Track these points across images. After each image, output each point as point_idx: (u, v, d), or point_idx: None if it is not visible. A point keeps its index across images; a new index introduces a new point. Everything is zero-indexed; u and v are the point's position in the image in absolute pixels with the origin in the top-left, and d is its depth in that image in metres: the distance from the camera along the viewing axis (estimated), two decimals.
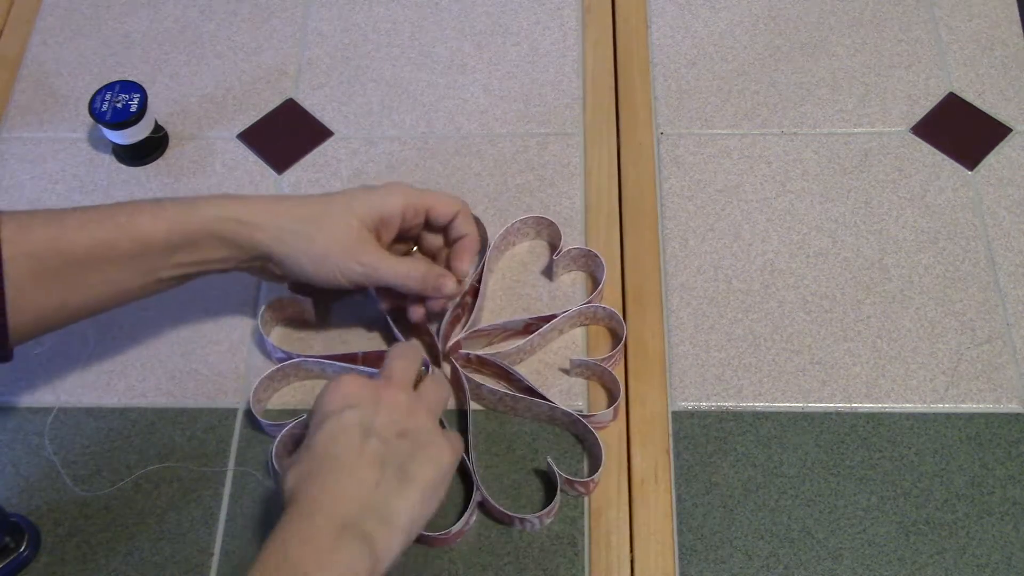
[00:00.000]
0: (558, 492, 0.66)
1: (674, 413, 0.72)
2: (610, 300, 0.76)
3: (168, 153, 0.84)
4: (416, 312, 0.71)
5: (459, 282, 0.70)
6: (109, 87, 0.80)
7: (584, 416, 0.69)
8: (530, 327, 0.73)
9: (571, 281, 0.77)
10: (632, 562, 0.66)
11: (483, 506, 0.68)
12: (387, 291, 0.72)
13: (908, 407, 0.71)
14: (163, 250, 0.62)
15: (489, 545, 0.67)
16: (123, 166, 0.84)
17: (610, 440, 0.70)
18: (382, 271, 0.66)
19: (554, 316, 0.72)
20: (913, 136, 0.83)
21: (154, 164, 0.84)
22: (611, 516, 0.68)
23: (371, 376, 0.61)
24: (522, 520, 0.66)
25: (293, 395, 0.73)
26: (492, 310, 0.76)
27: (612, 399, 0.71)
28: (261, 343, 0.74)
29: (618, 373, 0.73)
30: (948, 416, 0.71)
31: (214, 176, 0.83)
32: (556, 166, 0.82)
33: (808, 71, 0.87)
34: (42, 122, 0.86)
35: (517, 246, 0.79)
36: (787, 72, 0.87)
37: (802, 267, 0.77)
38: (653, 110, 0.85)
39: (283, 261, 0.65)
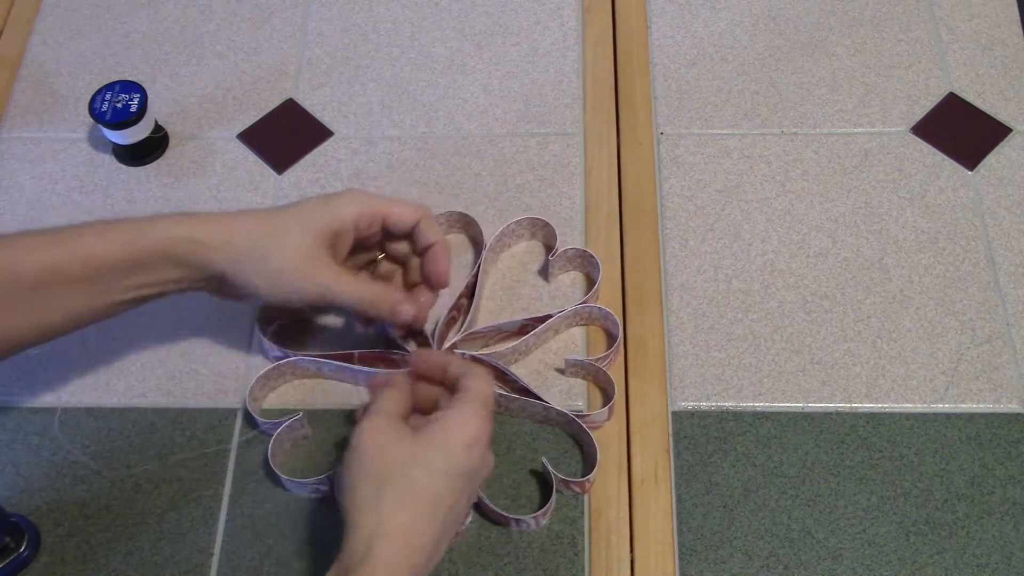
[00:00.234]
0: (554, 492, 0.66)
1: (674, 413, 0.72)
2: (608, 300, 0.76)
3: (168, 153, 0.84)
4: (400, 325, 0.69)
5: (424, 308, 0.68)
6: (109, 87, 0.80)
7: (579, 416, 0.69)
8: (526, 328, 0.73)
9: (568, 282, 0.77)
10: (632, 562, 0.66)
11: (478, 507, 0.68)
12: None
13: (908, 407, 0.71)
14: (115, 272, 0.60)
15: (489, 545, 0.67)
16: (123, 166, 0.84)
17: (610, 440, 0.70)
18: (335, 291, 0.63)
19: (549, 316, 0.72)
20: (913, 136, 0.83)
21: (154, 164, 0.84)
22: (611, 516, 0.68)
23: (484, 415, 0.59)
24: (518, 521, 0.66)
25: (293, 394, 0.73)
26: (489, 311, 0.76)
27: (607, 399, 0.71)
28: (259, 342, 0.74)
29: (617, 373, 0.73)
30: (948, 416, 0.71)
31: (214, 176, 0.83)
32: (556, 166, 0.82)
33: (808, 71, 0.87)
34: (42, 122, 0.86)
35: (513, 247, 0.79)
36: (787, 72, 0.87)
37: (802, 267, 0.77)
38: (653, 110, 0.85)
39: (237, 281, 0.63)
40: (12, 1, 0.94)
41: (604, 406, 0.70)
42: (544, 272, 0.77)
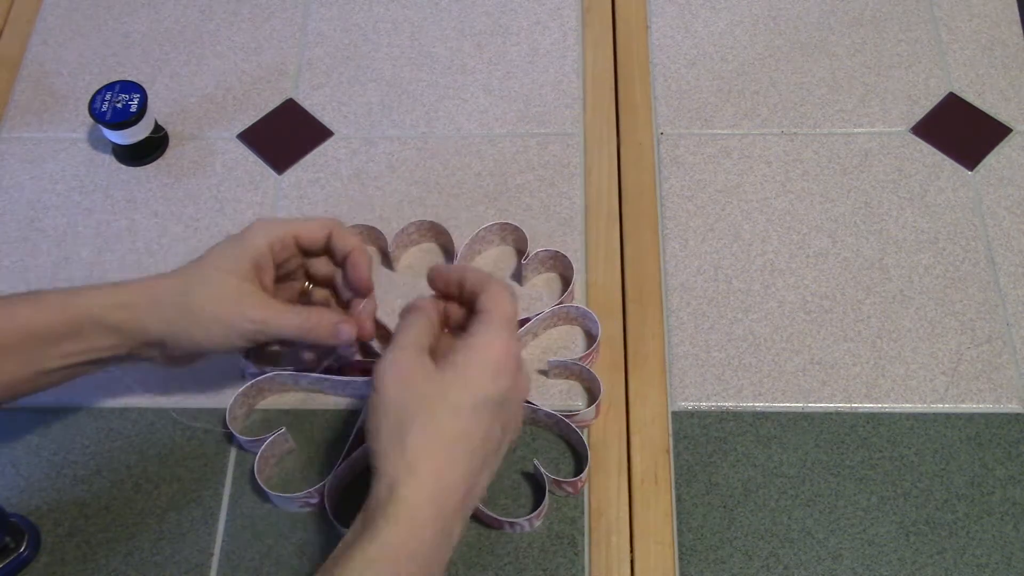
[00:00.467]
0: (547, 494, 0.66)
1: (674, 413, 0.71)
2: (608, 300, 0.76)
3: (168, 153, 0.84)
4: (348, 344, 0.66)
5: (365, 321, 0.66)
6: (109, 87, 0.80)
7: (568, 416, 0.69)
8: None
9: (542, 284, 0.77)
10: (632, 562, 0.66)
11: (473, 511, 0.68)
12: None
13: (908, 407, 0.71)
14: (46, 340, 0.59)
15: (489, 545, 0.67)
16: (123, 166, 0.84)
17: (610, 440, 0.70)
18: (272, 324, 0.61)
19: (527, 320, 0.72)
20: (913, 136, 0.83)
21: (154, 164, 0.84)
22: (611, 516, 0.68)
23: (512, 340, 0.57)
24: (512, 524, 0.66)
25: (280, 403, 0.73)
26: None
27: (594, 398, 0.71)
28: (234, 360, 0.73)
29: (617, 373, 0.73)
30: (948, 416, 0.71)
31: (214, 176, 0.83)
32: (556, 166, 0.82)
33: (808, 71, 0.87)
34: (42, 122, 0.86)
35: (484, 254, 0.78)
36: (787, 72, 0.87)
37: (802, 267, 0.77)
38: (653, 110, 0.85)
39: (175, 340, 0.61)
40: (12, 1, 0.94)
41: (589, 405, 0.70)
42: (517, 276, 0.77)
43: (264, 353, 0.72)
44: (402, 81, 0.87)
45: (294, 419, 0.72)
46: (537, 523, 0.67)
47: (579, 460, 0.69)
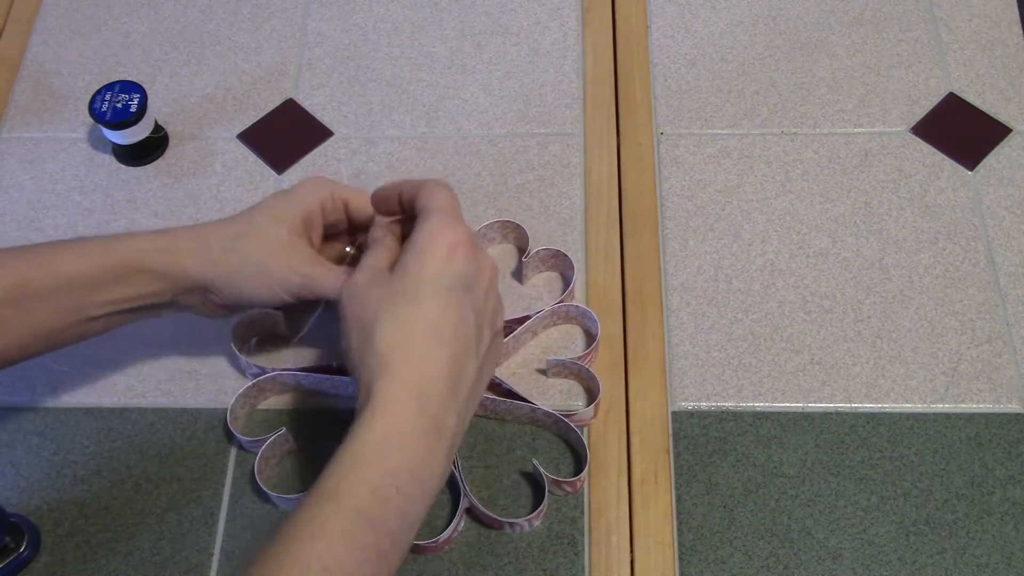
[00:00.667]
0: (546, 494, 0.66)
1: (674, 413, 0.72)
2: (608, 300, 0.76)
3: (168, 153, 0.84)
4: None
5: None
6: (109, 87, 0.80)
7: (566, 415, 0.69)
8: (504, 330, 0.72)
9: (543, 282, 0.77)
10: (632, 562, 0.66)
11: (471, 512, 0.68)
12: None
13: (908, 407, 0.71)
14: (89, 286, 0.59)
15: (489, 546, 0.67)
16: (123, 166, 0.84)
17: (610, 440, 0.70)
18: (318, 280, 0.61)
19: (527, 318, 0.72)
20: (913, 136, 0.83)
21: (154, 164, 0.84)
22: (611, 516, 0.68)
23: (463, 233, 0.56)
24: (512, 524, 0.66)
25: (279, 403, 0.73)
26: None
27: (593, 397, 0.71)
28: (235, 360, 0.73)
29: (617, 373, 0.73)
30: (948, 416, 0.71)
31: (214, 176, 0.83)
32: (556, 166, 0.82)
33: (808, 71, 0.87)
34: (42, 122, 0.86)
35: (485, 251, 0.78)
36: (787, 72, 0.87)
37: (802, 267, 0.77)
38: (653, 110, 0.85)
39: (219, 286, 0.61)
40: (12, 1, 0.94)
41: (588, 404, 0.70)
42: (518, 274, 0.77)
43: (264, 347, 0.73)
44: (402, 81, 0.87)
45: (295, 419, 0.72)
46: (537, 523, 0.67)
47: (578, 460, 0.69)
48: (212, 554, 0.67)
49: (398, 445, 0.51)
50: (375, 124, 0.85)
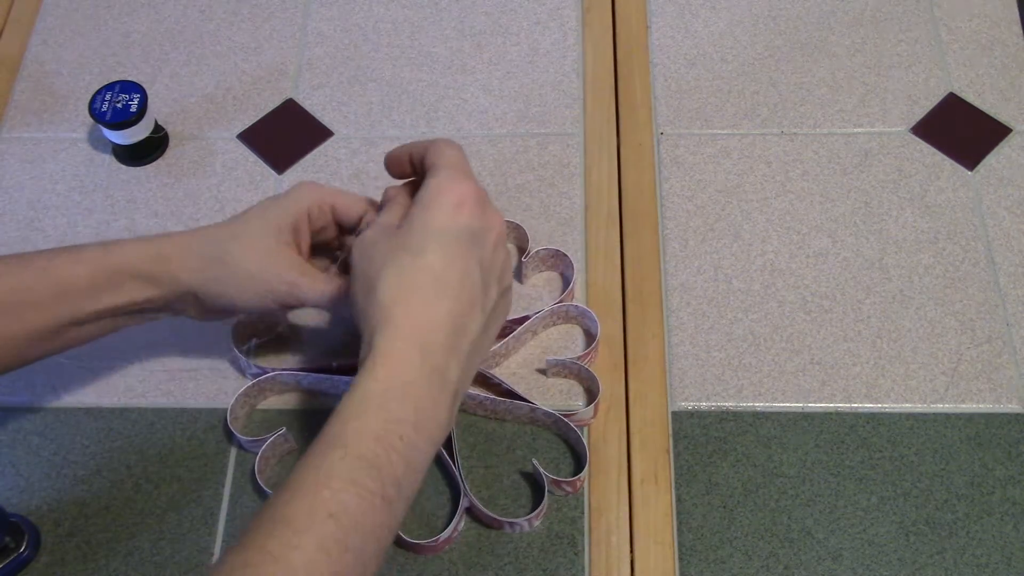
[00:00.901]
0: (546, 493, 0.66)
1: (674, 413, 0.72)
2: (608, 300, 0.76)
3: (168, 153, 0.84)
4: None
5: None
6: (109, 87, 0.80)
7: (566, 415, 0.69)
8: (504, 330, 0.72)
9: (543, 282, 0.77)
10: (632, 562, 0.66)
11: (471, 511, 0.68)
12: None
13: (908, 407, 0.71)
14: (84, 293, 0.59)
15: (489, 546, 0.67)
16: (123, 166, 0.84)
17: (610, 440, 0.70)
18: (304, 288, 0.62)
19: (527, 318, 0.72)
20: (913, 136, 0.83)
21: (154, 164, 0.84)
22: (611, 516, 0.68)
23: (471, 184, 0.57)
24: (511, 524, 0.66)
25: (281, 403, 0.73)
26: None
27: (592, 397, 0.71)
28: (235, 360, 0.73)
29: (617, 373, 0.73)
30: (948, 416, 0.71)
31: (214, 176, 0.83)
32: (556, 166, 0.82)
33: (808, 71, 0.87)
34: (42, 122, 0.86)
35: None
36: (787, 72, 0.87)
37: (802, 267, 0.77)
38: (653, 110, 0.85)
39: (208, 293, 0.62)
40: (12, 1, 0.94)
41: (588, 404, 0.70)
42: (518, 274, 0.77)
43: (264, 346, 0.73)
44: (402, 81, 0.87)
45: (295, 419, 0.72)
46: (536, 523, 0.67)
47: (578, 460, 0.69)
48: (212, 554, 0.67)
49: (400, 394, 0.51)
50: (375, 124, 0.85)
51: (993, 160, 0.82)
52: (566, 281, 0.76)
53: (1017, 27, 0.89)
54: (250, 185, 0.82)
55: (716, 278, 0.77)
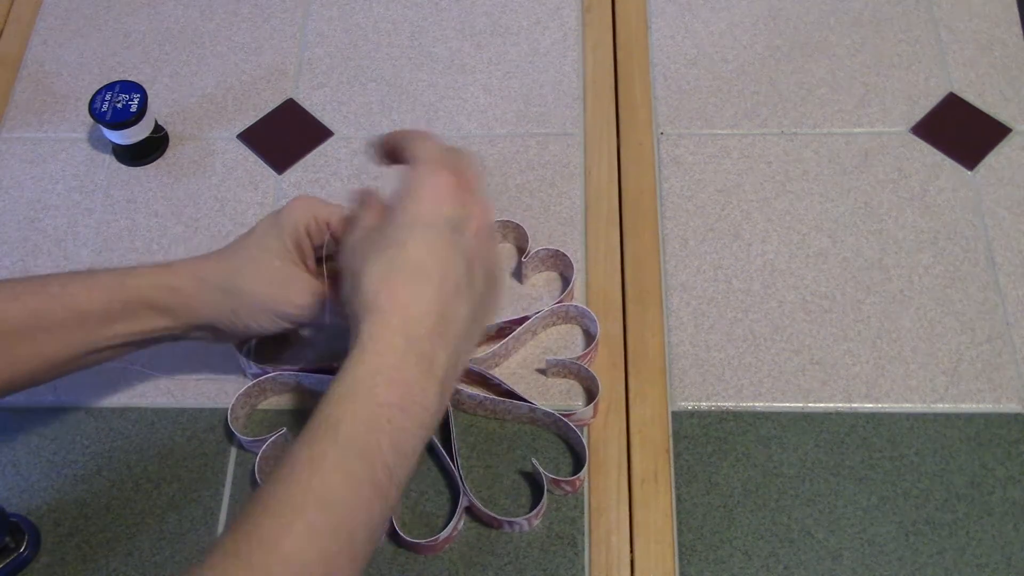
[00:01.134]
0: (545, 493, 0.66)
1: (674, 413, 0.72)
2: (608, 300, 0.76)
3: (168, 153, 0.84)
4: None
5: None
6: (109, 87, 0.80)
7: (565, 415, 0.69)
8: (504, 331, 0.72)
9: (542, 282, 0.77)
10: (632, 562, 0.66)
11: (470, 511, 0.68)
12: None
13: (908, 407, 0.71)
14: (100, 321, 0.60)
15: (489, 545, 0.67)
16: (123, 166, 0.84)
17: (610, 440, 0.70)
18: (316, 310, 0.63)
19: (526, 318, 0.72)
20: (913, 136, 0.83)
21: (154, 164, 0.84)
22: (611, 516, 0.68)
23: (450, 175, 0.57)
24: (511, 523, 0.66)
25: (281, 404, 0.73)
26: None
27: (592, 397, 0.71)
28: (235, 360, 0.73)
29: (617, 373, 0.73)
30: (948, 416, 0.71)
31: (214, 176, 0.83)
32: (556, 166, 0.82)
33: (808, 71, 0.87)
34: (42, 122, 0.86)
35: None
36: (787, 72, 0.87)
37: (802, 267, 0.77)
38: (653, 110, 0.85)
39: (225, 324, 0.63)
40: (12, 1, 0.94)
41: (588, 404, 0.70)
42: (518, 274, 0.77)
43: (265, 346, 0.73)
44: (402, 81, 0.87)
45: (295, 419, 0.72)
46: (536, 522, 0.67)
47: (578, 459, 0.69)
48: None
49: (386, 379, 0.51)
50: (375, 124, 0.85)
51: (993, 160, 0.82)
52: (566, 281, 0.76)
53: (1017, 27, 0.89)
54: (250, 185, 0.82)
55: (716, 278, 0.77)
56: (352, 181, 0.82)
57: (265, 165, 0.83)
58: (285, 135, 0.85)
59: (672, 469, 0.69)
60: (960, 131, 0.83)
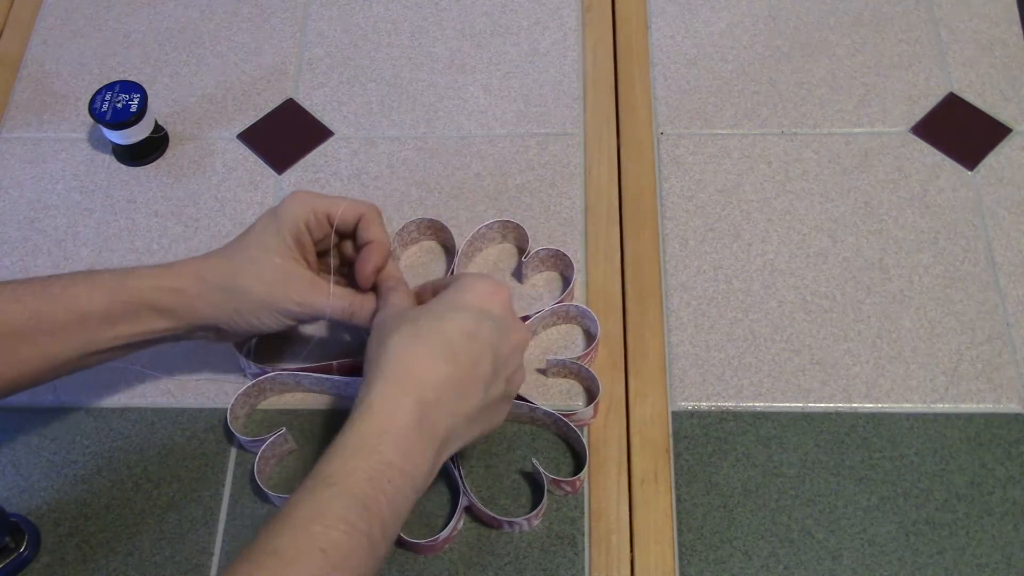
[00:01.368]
0: (545, 493, 0.66)
1: (674, 413, 0.71)
2: (608, 299, 0.76)
3: (168, 153, 0.84)
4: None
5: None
6: (109, 87, 0.80)
7: (565, 415, 0.69)
8: None
9: (543, 282, 0.77)
10: (632, 562, 0.66)
11: (470, 511, 0.68)
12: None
13: (908, 407, 0.71)
14: (101, 322, 0.60)
15: (489, 545, 0.67)
16: (123, 166, 0.84)
17: (610, 440, 0.70)
18: (317, 306, 0.64)
19: (527, 318, 0.72)
20: (913, 136, 0.83)
21: (154, 164, 0.84)
22: (611, 516, 0.68)
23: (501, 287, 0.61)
24: (510, 523, 0.66)
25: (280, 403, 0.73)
26: None
27: (592, 397, 0.71)
28: (235, 360, 0.73)
29: (617, 373, 0.73)
30: (948, 416, 0.71)
31: (214, 176, 0.83)
32: (556, 166, 0.82)
33: (808, 71, 0.87)
34: (42, 122, 0.86)
35: (484, 251, 0.78)
36: (787, 72, 0.87)
37: (802, 267, 0.77)
38: (653, 110, 0.85)
39: (228, 324, 0.63)
40: (12, 1, 0.94)
41: (588, 404, 0.70)
42: (518, 274, 0.77)
43: (264, 345, 0.73)
44: (402, 81, 0.87)
45: (295, 419, 0.72)
46: (536, 522, 0.67)
47: (578, 459, 0.69)
48: (212, 554, 0.67)
49: (393, 440, 0.53)
50: (375, 124, 0.85)
51: (993, 160, 0.82)
52: (566, 281, 0.76)
53: (1017, 27, 0.89)
54: (250, 185, 0.82)
55: (716, 278, 0.77)
56: (352, 181, 0.82)
57: (265, 165, 0.83)
58: (285, 135, 0.85)
59: (672, 469, 0.69)
60: (960, 131, 0.83)
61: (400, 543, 0.66)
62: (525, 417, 0.70)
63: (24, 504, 0.69)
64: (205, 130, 0.85)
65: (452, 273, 0.75)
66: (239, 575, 0.48)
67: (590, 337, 0.73)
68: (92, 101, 0.79)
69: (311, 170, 0.83)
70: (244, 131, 0.85)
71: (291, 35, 0.90)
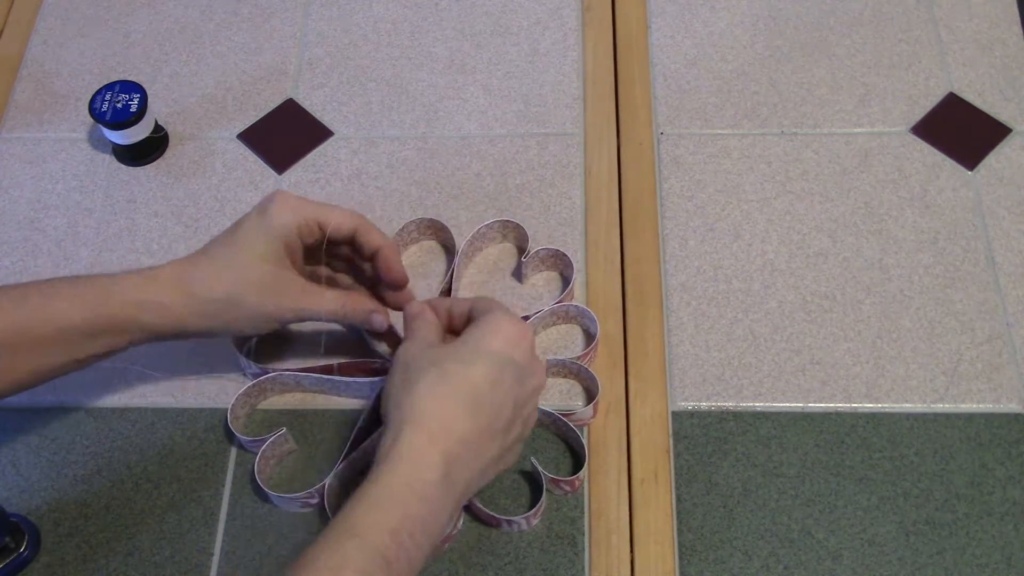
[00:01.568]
0: (544, 492, 0.66)
1: (674, 413, 0.72)
2: (608, 300, 0.76)
3: (168, 153, 0.84)
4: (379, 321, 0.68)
5: (408, 298, 0.68)
6: (109, 87, 0.80)
7: (564, 414, 0.69)
8: None
9: (542, 282, 0.77)
10: (632, 562, 0.66)
11: (469, 509, 0.68)
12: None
13: (908, 407, 0.71)
14: (84, 336, 0.60)
15: (489, 545, 0.67)
16: (123, 166, 0.84)
17: (610, 440, 0.70)
18: (312, 309, 0.64)
19: (526, 318, 0.72)
20: (913, 136, 0.83)
21: (154, 164, 0.84)
22: (611, 516, 0.68)
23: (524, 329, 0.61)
24: (509, 522, 0.66)
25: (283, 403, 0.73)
26: None
27: (591, 397, 0.71)
28: (235, 360, 0.73)
29: (617, 373, 0.73)
30: (948, 416, 0.71)
31: (214, 176, 0.83)
32: (556, 166, 0.82)
33: (808, 71, 0.87)
34: (42, 122, 0.86)
35: (484, 251, 0.78)
36: (787, 72, 0.87)
37: (802, 267, 0.77)
38: (653, 110, 0.85)
39: (219, 331, 0.64)
40: (12, 1, 0.94)
41: (588, 404, 0.70)
42: (518, 274, 0.77)
43: (265, 345, 0.73)
44: (402, 81, 0.87)
45: (295, 419, 0.72)
46: (535, 522, 0.67)
47: (577, 459, 0.69)
48: (212, 554, 0.67)
49: (419, 495, 0.54)
50: (375, 124, 0.85)
51: (993, 160, 0.82)
52: (566, 281, 0.76)
53: (1017, 27, 0.89)
54: (250, 185, 0.82)
55: (716, 278, 0.77)
56: (352, 181, 0.82)
57: (265, 165, 0.83)
58: (285, 135, 0.85)
59: (672, 469, 0.69)
60: (960, 131, 0.83)
61: None
62: None
63: (24, 504, 0.69)
64: (205, 130, 0.85)
65: (452, 273, 0.74)
66: None
67: (590, 337, 0.73)
68: (92, 101, 0.79)
69: (311, 170, 0.83)
70: (244, 131, 0.85)
71: (291, 35, 0.90)
